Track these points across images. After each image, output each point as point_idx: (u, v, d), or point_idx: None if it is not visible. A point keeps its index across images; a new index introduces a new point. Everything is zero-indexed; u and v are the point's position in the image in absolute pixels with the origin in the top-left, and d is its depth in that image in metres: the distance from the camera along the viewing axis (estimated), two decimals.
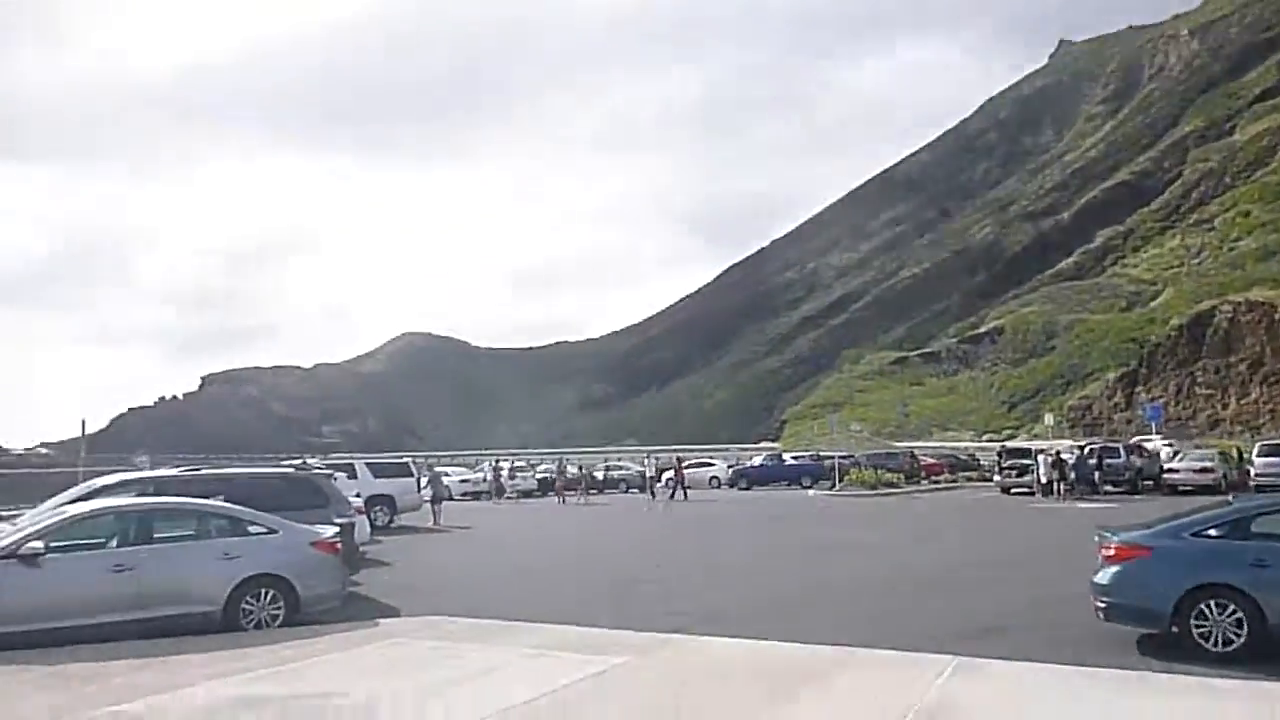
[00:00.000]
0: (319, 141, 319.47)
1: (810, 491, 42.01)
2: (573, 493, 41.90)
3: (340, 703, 7.81)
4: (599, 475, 49.90)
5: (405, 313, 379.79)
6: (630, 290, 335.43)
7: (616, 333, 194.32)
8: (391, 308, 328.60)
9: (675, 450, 58.14)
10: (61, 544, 10.85)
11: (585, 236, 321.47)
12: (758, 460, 50.93)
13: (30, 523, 12.16)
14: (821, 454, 47.52)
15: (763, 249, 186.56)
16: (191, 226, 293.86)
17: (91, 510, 11.93)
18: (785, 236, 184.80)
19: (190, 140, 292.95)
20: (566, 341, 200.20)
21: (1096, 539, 9.99)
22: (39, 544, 10.59)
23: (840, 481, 41.34)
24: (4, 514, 20.43)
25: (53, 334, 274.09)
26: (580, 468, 46.65)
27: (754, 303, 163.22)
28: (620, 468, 53.34)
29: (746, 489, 45.30)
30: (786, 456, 51.14)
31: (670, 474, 41.56)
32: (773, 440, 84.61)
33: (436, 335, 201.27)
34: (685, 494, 39.36)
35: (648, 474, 43.65)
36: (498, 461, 52.48)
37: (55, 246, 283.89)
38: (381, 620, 11.84)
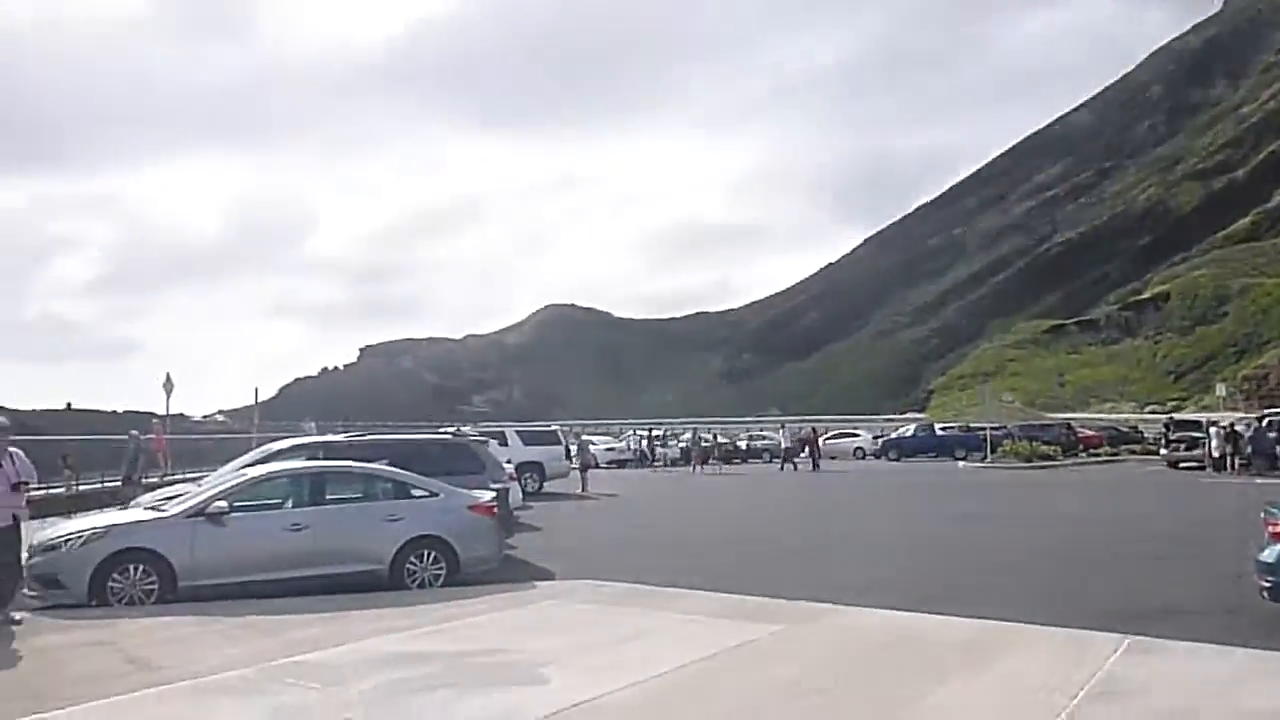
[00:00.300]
0: (471, 117, 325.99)
1: (960, 463, 41.10)
2: (711, 462, 42.19)
3: (505, 659, 8.07)
4: (741, 445, 50.19)
5: (550, 284, 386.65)
6: (771, 259, 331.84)
7: (758, 302, 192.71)
8: (537, 279, 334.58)
9: (818, 420, 57.80)
10: (243, 504, 11.59)
11: (727, 206, 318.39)
12: (908, 431, 49.94)
13: (214, 484, 13.05)
14: (971, 425, 46.29)
15: (908, 215, 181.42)
16: (354, 201, 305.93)
17: (270, 473, 12.74)
18: (931, 201, 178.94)
19: (350, 119, 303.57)
20: (707, 312, 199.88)
21: (1263, 515, 9.37)
22: (224, 504, 11.38)
23: (993, 453, 40.17)
24: (190, 476, 22.07)
25: (229, 307, 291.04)
26: (715, 437, 46.96)
27: (898, 271, 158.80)
28: (762, 437, 53.39)
29: (896, 460, 44.62)
30: (937, 427, 50.00)
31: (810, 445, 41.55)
32: (918, 411, 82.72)
33: (580, 306, 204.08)
34: (820, 463, 39.68)
35: (783, 444, 43.59)
36: (651, 431, 53.24)
37: (233, 222, 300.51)
38: (538, 583, 12.20)
